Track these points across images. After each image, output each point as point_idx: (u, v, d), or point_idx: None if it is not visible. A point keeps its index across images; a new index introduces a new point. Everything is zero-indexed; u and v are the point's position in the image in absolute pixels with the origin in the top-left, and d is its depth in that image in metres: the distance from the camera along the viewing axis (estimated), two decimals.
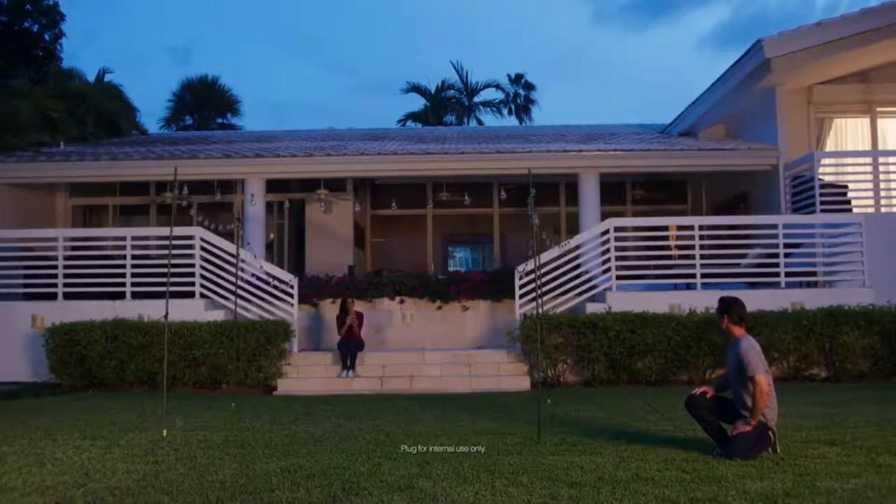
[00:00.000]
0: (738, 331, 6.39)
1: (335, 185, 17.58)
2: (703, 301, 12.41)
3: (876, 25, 13.75)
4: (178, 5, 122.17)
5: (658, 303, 12.59)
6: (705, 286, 13.15)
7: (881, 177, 14.41)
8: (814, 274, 13.47)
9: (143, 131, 23.82)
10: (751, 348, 6.24)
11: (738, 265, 13.47)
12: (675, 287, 13.53)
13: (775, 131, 14.94)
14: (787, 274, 13.20)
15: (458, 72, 37.70)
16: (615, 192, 18.58)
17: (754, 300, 12.49)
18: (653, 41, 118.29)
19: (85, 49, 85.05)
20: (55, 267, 13.56)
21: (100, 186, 17.78)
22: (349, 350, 12.67)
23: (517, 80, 38.66)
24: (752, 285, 13.54)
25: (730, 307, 6.41)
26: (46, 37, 18.13)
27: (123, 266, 13.47)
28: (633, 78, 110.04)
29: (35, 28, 18.12)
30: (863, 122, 15.70)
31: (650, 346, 11.83)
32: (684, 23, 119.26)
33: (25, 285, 13.99)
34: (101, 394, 12.03)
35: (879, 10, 13.82)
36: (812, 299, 12.56)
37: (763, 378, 6.11)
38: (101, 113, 19.81)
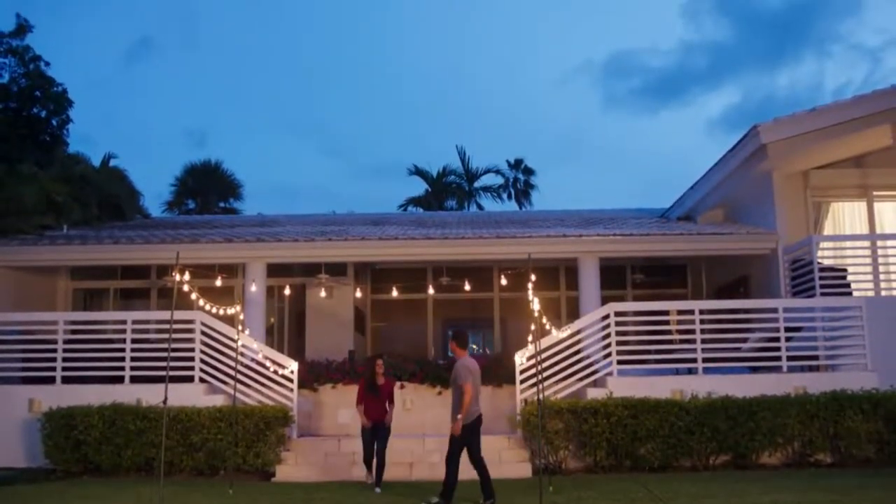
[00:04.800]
0: (460, 353, 9.52)
1: (336, 270, 17.64)
2: (705, 386, 12.36)
3: (869, 112, 13.98)
4: (185, 90, 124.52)
5: (660, 388, 12.50)
6: (707, 371, 13.07)
7: (880, 260, 14.45)
8: (816, 358, 13.40)
9: (146, 215, 24.03)
10: (463, 366, 9.23)
11: (739, 349, 13.42)
12: (677, 371, 13.45)
13: (773, 215, 15.06)
14: (789, 358, 13.11)
15: (460, 156, 38.30)
16: (615, 276, 18.61)
17: (756, 385, 12.47)
18: (661, 125, 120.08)
19: (95, 130, 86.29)
20: (54, 350, 13.50)
21: (101, 270, 17.84)
22: (379, 440, 10.92)
23: (517, 165, 39.22)
24: (754, 369, 13.46)
25: (456, 336, 9.73)
26: (54, 122, 18.45)
27: (123, 350, 13.43)
28: (639, 161, 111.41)
29: (43, 114, 18.47)
30: (860, 206, 15.83)
31: (652, 431, 11.71)
32: (694, 106, 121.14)
33: (24, 369, 13.91)
34: (96, 480, 11.87)
35: (871, 97, 14.07)
36: (815, 383, 12.47)
37: (468, 386, 9.01)
38: (105, 197, 20.02)
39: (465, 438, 9.09)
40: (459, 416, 9.08)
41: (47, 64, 18.65)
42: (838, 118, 14.11)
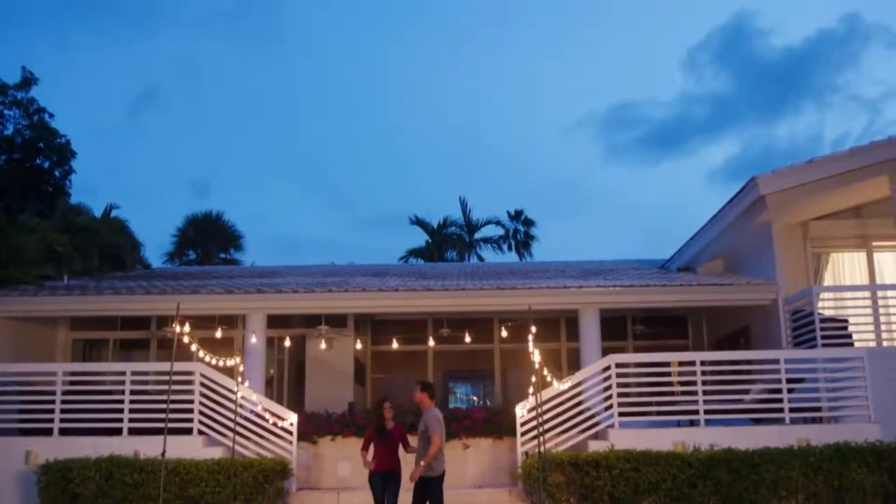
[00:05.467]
0: (428, 404, 9.79)
1: (336, 321, 17.61)
2: (708, 438, 12.27)
3: (865, 163, 14.05)
4: (189, 141, 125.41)
5: (661, 440, 12.41)
6: (709, 422, 13.00)
7: (881, 310, 14.43)
8: (818, 409, 13.32)
9: (147, 266, 24.05)
10: (434, 416, 9.61)
11: (741, 401, 13.34)
12: (679, 424, 13.37)
13: (773, 266, 15.08)
14: (792, 410, 13.04)
15: (462, 207, 38.56)
16: (616, 327, 18.58)
17: (759, 437, 12.37)
18: (662, 176, 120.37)
19: (98, 180, 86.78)
20: (53, 402, 13.42)
21: (101, 320, 17.80)
22: (389, 494, 10.16)
23: (517, 216, 39.49)
24: (757, 421, 13.38)
25: (427, 387, 10.06)
26: (57, 173, 18.67)
27: (122, 401, 13.35)
28: (640, 212, 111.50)
29: (46, 165, 18.69)
30: (859, 256, 15.88)
31: (654, 484, 11.58)
32: (695, 157, 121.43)
33: (21, 420, 13.82)
34: None
35: (868, 148, 14.16)
36: (818, 435, 12.38)
37: (437, 437, 9.45)
38: (106, 247, 20.06)
39: (439, 489, 9.67)
40: (422, 462, 9.50)
41: (51, 116, 18.93)
42: (836, 169, 14.18)
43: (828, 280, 15.79)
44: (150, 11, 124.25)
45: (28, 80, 18.83)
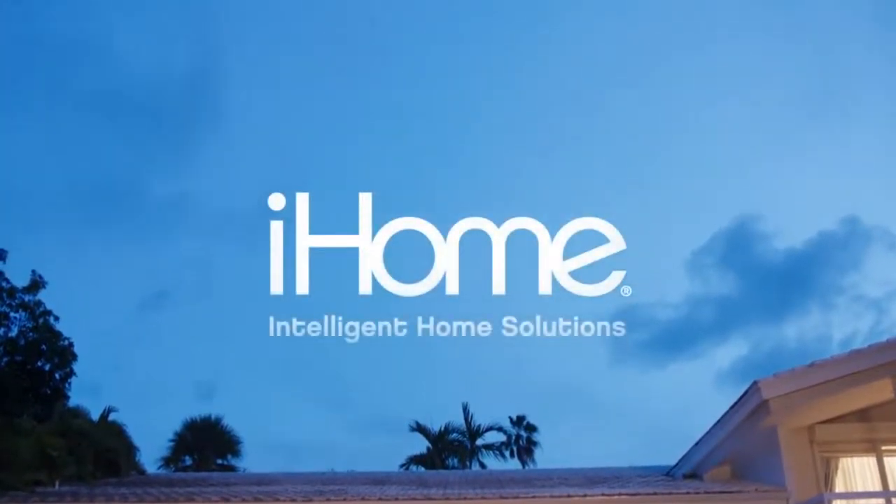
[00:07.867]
0: None
1: None
2: None
3: (867, 366, 13.93)
4: (196, 342, 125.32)
5: None
6: None
7: None
8: None
9: (142, 471, 23.59)
10: None
11: None
12: None
13: (781, 472, 14.69)
14: None
15: (465, 414, 38.45)
16: None
17: None
18: (669, 378, 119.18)
19: (102, 378, 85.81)
20: None
21: None
22: None
23: (519, 421, 39.45)
24: None
25: None
26: (57, 376, 18.72)
27: None
28: (646, 416, 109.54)
29: (47, 367, 18.76)
30: (869, 461, 15.48)
31: None
32: (703, 359, 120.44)
33: None
34: None
35: (867, 351, 14.09)
36: None
37: None
38: (102, 452, 19.76)
39: None
40: None
41: (56, 318, 19.16)
42: (837, 373, 14.04)
43: (839, 485, 15.32)
44: (165, 216, 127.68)
45: (36, 284, 19.22)
